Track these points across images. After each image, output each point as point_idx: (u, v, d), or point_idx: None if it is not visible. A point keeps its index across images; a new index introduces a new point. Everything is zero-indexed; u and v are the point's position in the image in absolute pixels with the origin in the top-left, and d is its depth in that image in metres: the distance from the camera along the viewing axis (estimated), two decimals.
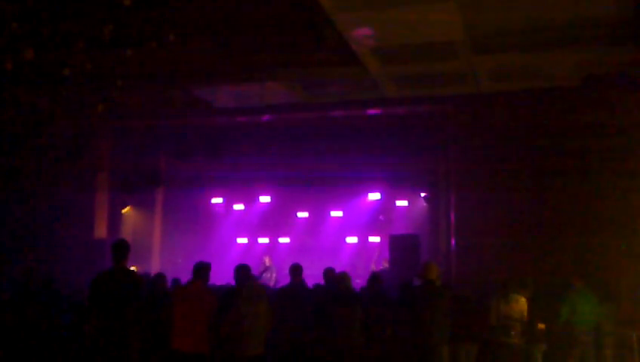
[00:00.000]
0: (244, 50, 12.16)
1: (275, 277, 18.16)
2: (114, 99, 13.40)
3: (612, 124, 12.81)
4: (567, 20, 10.69)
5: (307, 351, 9.89)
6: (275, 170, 19.23)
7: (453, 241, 14.81)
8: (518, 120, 14.07)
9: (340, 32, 11.06)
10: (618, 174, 12.81)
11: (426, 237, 17.34)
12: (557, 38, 11.40)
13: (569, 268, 12.16)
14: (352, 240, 21.70)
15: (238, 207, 22.54)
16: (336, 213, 21.87)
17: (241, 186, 20.98)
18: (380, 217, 21.19)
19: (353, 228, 21.63)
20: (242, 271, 9.46)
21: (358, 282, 15.72)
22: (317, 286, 11.47)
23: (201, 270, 9.07)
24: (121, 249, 8.19)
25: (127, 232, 18.65)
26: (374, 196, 20.95)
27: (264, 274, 17.81)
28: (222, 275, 14.83)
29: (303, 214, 22.26)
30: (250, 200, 22.24)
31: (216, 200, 22.47)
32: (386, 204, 21.13)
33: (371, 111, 16.12)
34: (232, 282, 10.03)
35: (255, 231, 22.51)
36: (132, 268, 12.16)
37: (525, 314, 10.24)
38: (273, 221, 22.28)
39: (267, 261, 19.65)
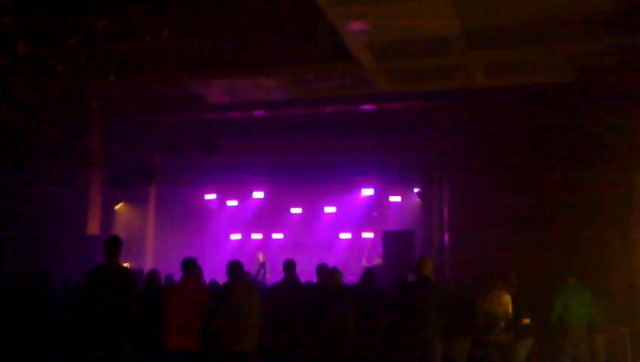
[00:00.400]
0: (238, 45, 12.14)
1: (266, 271, 18.17)
2: (107, 94, 13.38)
3: (606, 119, 12.82)
4: (560, 15, 10.69)
5: (301, 347, 9.89)
6: (269, 166, 19.25)
7: (446, 237, 14.83)
8: (512, 115, 14.07)
9: (334, 27, 11.04)
10: (612, 169, 12.83)
11: (419, 232, 17.36)
12: (551, 33, 11.41)
13: (562, 264, 12.16)
14: (345, 235, 21.76)
15: (232, 203, 22.57)
16: (330, 209, 21.92)
17: (235, 182, 21.02)
18: (374, 213, 21.24)
19: (347, 224, 21.69)
20: (235, 268, 9.44)
21: (352, 278, 15.73)
22: (308, 282, 11.46)
23: (190, 266, 9.05)
24: (113, 245, 8.16)
25: (120, 228, 18.62)
26: (368, 192, 21.00)
27: (257, 270, 17.81)
28: (215, 271, 14.80)
29: (296, 210, 22.30)
30: (243, 196, 22.27)
31: (210, 196, 22.49)
32: (379, 200, 21.19)
33: (365, 107, 16.12)
34: (222, 279, 10.02)
35: (248, 227, 22.55)
36: (125, 264, 12.18)
37: (510, 310, 10.26)
38: (267, 217, 22.32)
39: (261, 257, 19.68)
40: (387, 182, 20.08)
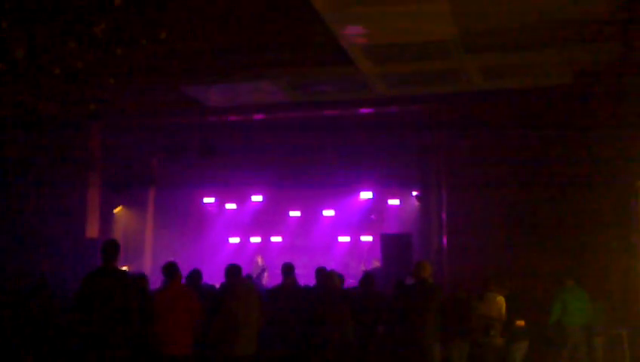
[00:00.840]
0: (236, 48, 12.14)
1: (266, 274, 18.16)
2: (106, 98, 13.38)
3: (604, 121, 12.83)
4: (558, 18, 10.71)
5: (300, 351, 9.90)
6: (267, 169, 19.24)
7: (444, 240, 14.83)
8: (510, 118, 14.09)
9: (331, 30, 11.05)
10: (610, 173, 12.84)
11: (417, 235, 17.36)
12: (548, 36, 11.42)
13: (561, 267, 12.17)
14: (344, 239, 21.75)
15: (230, 206, 22.55)
16: (329, 212, 21.91)
17: (233, 186, 20.99)
18: (372, 216, 21.24)
19: (345, 227, 21.69)
20: (233, 271, 9.46)
21: (352, 282, 15.75)
22: (306, 286, 11.48)
23: (173, 270, 9.06)
24: (110, 249, 8.14)
25: (118, 232, 18.61)
26: (366, 195, 20.99)
27: (256, 274, 17.80)
28: (214, 275, 14.82)
29: (295, 213, 22.29)
30: (242, 199, 22.25)
31: (208, 199, 22.46)
32: (377, 203, 21.19)
33: (363, 111, 16.13)
34: (221, 282, 10.04)
35: (247, 231, 22.54)
36: (124, 268, 12.18)
37: (504, 312, 10.28)
38: (265, 220, 22.30)
39: (260, 260, 19.68)
40: (386, 186, 20.08)
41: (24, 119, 13.47)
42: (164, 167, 19.23)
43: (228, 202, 22.49)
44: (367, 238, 21.25)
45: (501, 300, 10.36)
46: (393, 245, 16.25)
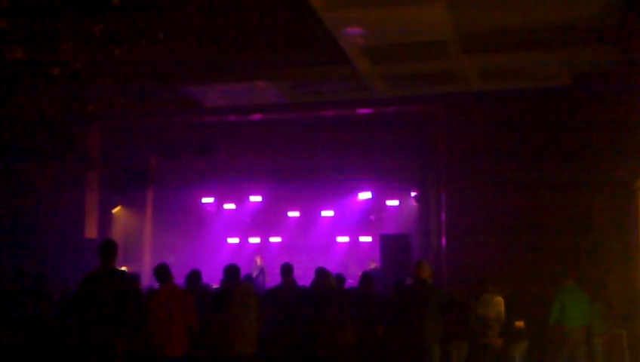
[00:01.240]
0: (234, 48, 12.14)
1: (265, 275, 18.14)
2: (104, 98, 13.37)
3: (602, 123, 12.83)
4: (556, 20, 10.71)
5: (299, 351, 9.89)
6: (266, 169, 19.24)
7: (443, 240, 14.82)
8: (509, 119, 14.07)
9: (330, 31, 11.05)
10: (609, 173, 12.83)
11: (416, 236, 17.35)
12: (547, 38, 11.42)
13: (560, 267, 12.16)
14: (343, 239, 21.73)
15: (229, 206, 22.54)
16: (327, 213, 21.90)
17: (232, 186, 20.99)
18: (371, 217, 21.24)
19: (344, 228, 21.67)
20: (232, 271, 9.45)
21: (350, 282, 15.73)
22: (305, 286, 11.47)
23: (165, 272, 9.05)
24: (109, 249, 8.13)
25: (117, 232, 18.59)
26: (365, 195, 20.99)
27: (255, 274, 17.79)
28: (213, 275, 14.80)
29: (294, 214, 22.28)
30: (240, 199, 22.24)
31: (207, 199, 22.45)
32: (376, 204, 21.19)
33: (361, 111, 16.13)
34: (220, 281, 10.02)
35: (246, 231, 22.52)
36: (122, 268, 12.16)
37: (503, 313, 10.27)
38: (264, 220, 22.29)
39: (258, 260, 19.66)
40: (385, 186, 20.09)
41: (22, 119, 13.46)
42: (162, 167, 19.21)
43: (227, 202, 22.48)
44: (366, 239, 21.23)
45: (500, 301, 10.35)
46: (392, 246, 16.25)
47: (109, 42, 8.72)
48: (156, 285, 9.38)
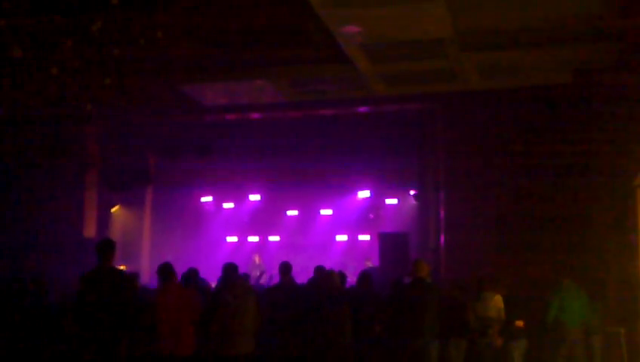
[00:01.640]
0: (233, 47, 12.14)
1: (265, 275, 18.13)
2: (102, 97, 13.34)
3: (602, 121, 12.83)
4: (555, 18, 10.71)
5: (298, 350, 9.89)
6: (265, 168, 19.25)
7: (442, 239, 14.83)
8: (507, 117, 14.09)
9: (328, 29, 11.04)
10: (607, 172, 12.84)
11: (415, 234, 17.36)
12: (545, 36, 11.43)
13: (558, 266, 12.17)
14: (341, 238, 21.74)
15: (228, 205, 22.54)
16: (326, 211, 21.91)
17: (231, 185, 21.00)
18: (370, 215, 21.25)
19: (343, 226, 21.67)
20: (230, 270, 9.45)
21: (348, 280, 15.73)
22: (304, 284, 11.47)
23: (170, 271, 9.07)
24: (107, 248, 8.12)
25: (116, 231, 18.60)
26: (364, 194, 21.02)
27: (253, 273, 17.79)
28: (211, 274, 14.80)
29: (292, 212, 22.28)
30: (239, 198, 22.25)
31: (206, 198, 22.46)
32: (375, 202, 21.20)
33: (360, 110, 16.14)
34: (220, 281, 10.02)
35: (245, 230, 22.52)
36: (121, 267, 12.16)
37: (502, 311, 10.25)
38: (263, 219, 22.29)
39: (257, 259, 19.67)
40: (383, 185, 20.10)
41: (21, 119, 13.45)
42: (161, 166, 19.21)
43: (225, 201, 22.49)
44: (364, 237, 21.24)
45: (499, 299, 10.34)
46: (391, 244, 16.27)
47: (107, 41, 8.70)
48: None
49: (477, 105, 14.42)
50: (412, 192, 18.49)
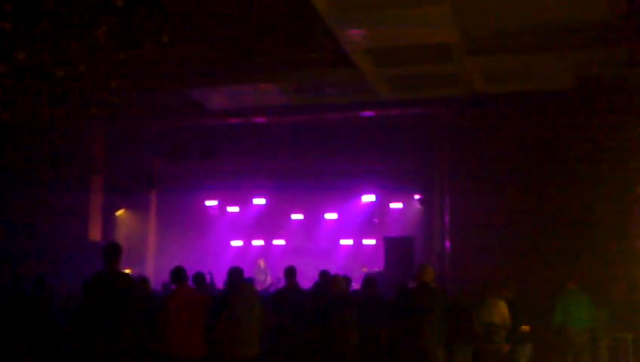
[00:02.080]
0: (238, 51, 12.14)
1: (270, 279, 18.12)
2: (108, 101, 13.36)
3: (606, 126, 12.81)
4: (560, 23, 10.70)
5: (303, 354, 9.88)
6: (270, 172, 19.24)
7: (447, 243, 14.80)
8: (512, 122, 14.08)
9: (334, 33, 11.04)
10: (612, 177, 12.81)
11: (420, 239, 17.33)
12: (551, 41, 11.41)
13: (563, 271, 12.15)
14: (346, 242, 21.70)
15: (233, 209, 22.52)
16: (331, 216, 21.87)
17: (236, 188, 20.98)
18: (375, 219, 21.21)
19: (348, 231, 21.63)
20: (235, 274, 9.45)
21: (353, 285, 15.71)
22: (309, 289, 11.46)
23: (182, 274, 9.08)
24: (112, 251, 8.12)
25: (121, 235, 18.59)
26: (369, 198, 20.98)
27: (258, 277, 17.78)
28: (216, 278, 14.79)
29: (297, 216, 22.26)
30: (244, 202, 22.23)
31: (211, 202, 22.43)
32: (380, 206, 21.15)
33: (365, 114, 16.13)
34: (226, 285, 10.02)
35: (250, 234, 22.49)
36: (126, 271, 12.16)
37: (507, 317, 10.20)
38: (268, 223, 22.26)
39: (262, 263, 19.64)
40: (388, 189, 20.06)
41: (26, 122, 13.47)
42: (166, 170, 19.23)
43: (230, 205, 22.47)
44: (369, 242, 21.21)
45: (502, 305, 10.28)
46: (396, 248, 16.23)
47: (112, 45, 8.71)
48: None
49: (482, 110, 14.40)
50: (417, 197, 18.48)
